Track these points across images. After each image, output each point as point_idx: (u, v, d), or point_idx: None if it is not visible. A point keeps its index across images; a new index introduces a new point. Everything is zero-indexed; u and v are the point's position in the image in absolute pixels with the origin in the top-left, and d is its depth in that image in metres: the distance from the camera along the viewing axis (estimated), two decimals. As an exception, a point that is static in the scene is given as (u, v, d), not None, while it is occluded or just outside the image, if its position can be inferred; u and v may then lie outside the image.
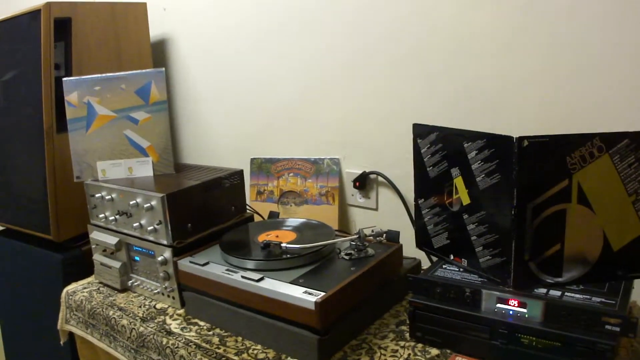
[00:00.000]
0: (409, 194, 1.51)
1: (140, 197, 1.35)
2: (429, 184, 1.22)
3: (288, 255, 1.22)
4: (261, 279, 1.17)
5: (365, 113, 1.56)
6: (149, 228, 1.34)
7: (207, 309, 1.27)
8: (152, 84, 1.45)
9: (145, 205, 1.32)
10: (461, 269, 1.16)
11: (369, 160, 1.58)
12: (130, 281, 1.45)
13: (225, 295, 1.22)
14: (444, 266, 1.18)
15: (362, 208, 1.63)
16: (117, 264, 1.44)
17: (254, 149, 1.80)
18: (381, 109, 1.53)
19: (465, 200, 1.13)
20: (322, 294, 1.08)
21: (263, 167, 1.73)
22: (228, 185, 1.47)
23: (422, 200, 1.25)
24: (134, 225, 1.37)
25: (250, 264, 1.23)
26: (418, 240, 1.29)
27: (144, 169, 1.49)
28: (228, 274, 1.22)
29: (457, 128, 1.13)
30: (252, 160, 1.75)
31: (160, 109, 1.47)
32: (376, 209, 1.61)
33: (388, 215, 1.59)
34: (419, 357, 1.09)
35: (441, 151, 1.17)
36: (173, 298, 1.35)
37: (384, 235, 1.30)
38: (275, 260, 1.22)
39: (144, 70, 1.46)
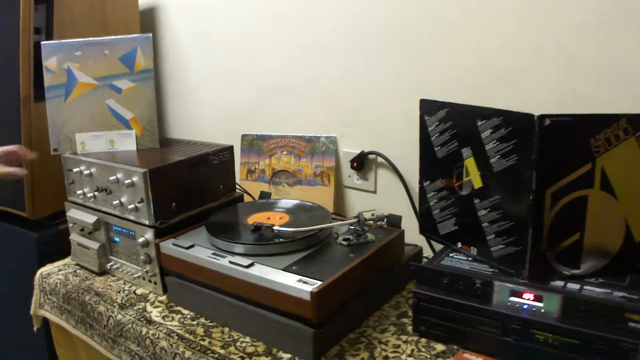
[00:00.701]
0: (411, 176, 1.42)
1: (121, 172, 1.24)
2: (436, 165, 1.12)
3: (281, 240, 1.12)
4: (251, 265, 1.07)
5: (365, 89, 1.46)
6: (130, 206, 1.23)
7: (191, 296, 1.17)
8: (138, 50, 1.33)
9: (126, 182, 1.22)
10: (470, 258, 1.07)
11: (367, 139, 1.48)
12: (109, 264, 1.35)
13: (210, 282, 1.12)
14: (450, 254, 1.10)
15: (360, 190, 1.53)
16: (95, 245, 1.34)
17: (245, 125, 1.69)
18: (382, 84, 1.42)
19: (477, 183, 1.03)
20: (318, 283, 0.99)
21: (254, 144, 1.62)
22: (217, 162, 1.36)
23: (428, 182, 1.15)
24: (114, 203, 1.26)
25: (239, 248, 1.13)
26: (422, 226, 1.20)
27: (127, 142, 1.38)
28: (214, 258, 1.11)
29: (469, 104, 1.04)
30: (243, 136, 1.64)
31: (145, 78, 1.36)
32: (374, 192, 1.51)
33: (387, 198, 1.49)
34: (423, 354, 1.00)
35: (451, 129, 1.07)
36: (155, 283, 1.25)
37: (385, 219, 1.20)
38: (266, 244, 1.12)
39: (129, 36, 1.34)
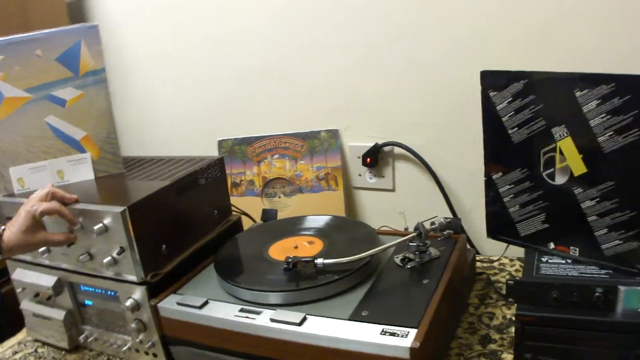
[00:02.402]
0: (438, 167, 1.18)
1: (85, 214, 0.90)
2: (510, 151, 0.89)
3: (335, 277, 0.85)
4: (304, 320, 0.79)
5: (373, 66, 1.19)
6: (105, 260, 0.90)
7: None
8: (82, 45, 0.99)
9: (95, 227, 0.88)
10: (569, 261, 0.87)
11: (379, 128, 1.22)
12: (83, 335, 1.01)
13: (243, 348, 0.83)
14: (542, 260, 0.88)
15: (375, 190, 1.28)
16: (59, 314, 0.99)
17: (220, 128, 1.37)
18: (396, 59, 1.16)
19: (579, 169, 0.82)
20: (410, 331, 0.73)
21: (236, 150, 1.31)
22: (207, 182, 1.05)
23: (499, 174, 0.92)
24: (80, 257, 0.92)
25: (275, 297, 0.84)
26: (491, 228, 0.97)
27: (81, 170, 1.03)
28: (245, 317, 0.82)
29: (561, 71, 0.81)
30: (220, 142, 1.32)
31: (96, 82, 1.01)
32: (393, 190, 1.26)
33: (408, 196, 1.25)
34: None
35: (534, 105, 0.84)
36: (154, 356, 0.93)
37: (447, 226, 0.95)
38: (315, 287, 0.84)
39: (68, 27, 0.99)
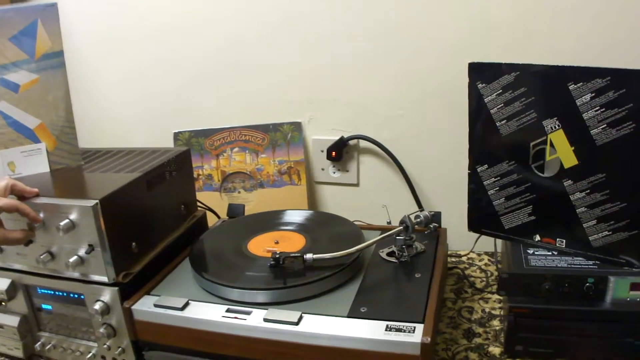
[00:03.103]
0: (407, 161, 1.17)
1: (46, 210, 0.80)
2: (498, 144, 0.89)
3: (326, 273, 0.81)
4: (300, 319, 0.74)
5: (339, 54, 1.16)
6: (71, 260, 0.81)
7: None
8: (39, 25, 0.88)
9: (61, 224, 0.79)
10: (555, 253, 0.88)
11: (343, 121, 1.19)
12: (40, 343, 0.90)
13: (236, 352, 0.77)
14: (529, 252, 0.89)
15: (338, 185, 1.24)
16: (13, 321, 0.88)
17: (176, 120, 1.28)
18: (362, 48, 1.14)
19: (569, 161, 0.83)
20: (418, 326, 0.71)
21: (193, 143, 1.23)
22: (175, 175, 0.97)
23: (485, 167, 0.92)
24: (41, 257, 0.82)
25: (262, 296, 0.79)
26: (473, 222, 0.97)
27: (35, 162, 0.92)
28: (235, 318, 0.76)
29: (554, 65, 0.81)
30: (176, 135, 1.23)
31: (54, 65, 0.91)
32: (357, 185, 1.23)
33: (373, 191, 1.23)
34: None
35: (525, 98, 0.85)
36: (124, 363, 0.85)
37: (432, 219, 0.94)
38: (307, 283, 0.79)
39: (24, 5, 0.88)
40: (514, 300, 0.82)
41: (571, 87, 0.79)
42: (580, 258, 0.85)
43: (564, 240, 0.87)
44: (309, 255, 0.82)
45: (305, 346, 0.73)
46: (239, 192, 1.24)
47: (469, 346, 0.88)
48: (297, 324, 0.74)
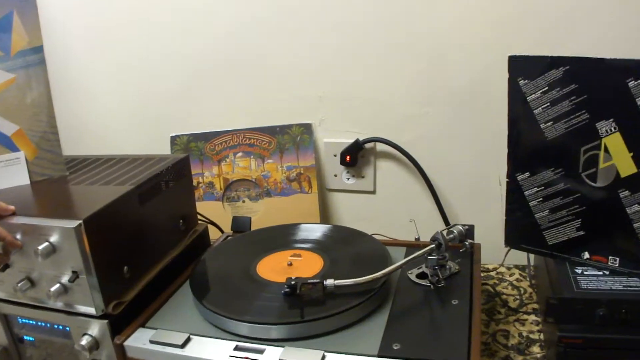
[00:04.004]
0: (429, 167, 1.06)
1: (24, 231, 0.69)
2: (542, 149, 0.79)
3: (354, 304, 0.69)
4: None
5: (353, 46, 1.04)
6: (53, 288, 0.69)
7: None
8: (15, 18, 0.77)
9: (39, 247, 0.67)
10: (606, 272, 0.77)
11: (358, 123, 1.08)
12: (20, 382, 0.79)
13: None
14: (577, 272, 0.78)
15: (353, 192, 1.13)
16: (-13, 356, 0.77)
17: (172, 122, 1.16)
18: (379, 41, 1.03)
19: (627, 169, 0.72)
20: (463, 368, 0.60)
21: (192, 147, 1.11)
22: (172, 185, 0.86)
23: (526, 175, 0.81)
24: (19, 284, 0.71)
25: (276, 331, 0.68)
26: (510, 236, 0.86)
27: (13, 173, 0.81)
28: (245, 359, 0.65)
29: (610, 58, 0.70)
30: (173, 139, 1.11)
31: (32, 63, 0.80)
32: (373, 192, 1.12)
33: (391, 200, 1.12)
34: None
35: (575, 96, 0.74)
36: (117, 405, 0.74)
37: (466, 234, 0.82)
38: (328, 317, 0.68)
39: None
40: (563, 329, 0.72)
41: (631, 84, 0.69)
42: (636, 279, 0.75)
43: (618, 259, 0.76)
44: (329, 282, 0.71)
45: (328, 393, 0.62)
46: (244, 202, 1.13)
47: (509, 379, 0.77)
48: (320, 366, 0.63)
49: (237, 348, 0.67)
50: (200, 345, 0.68)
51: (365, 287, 0.71)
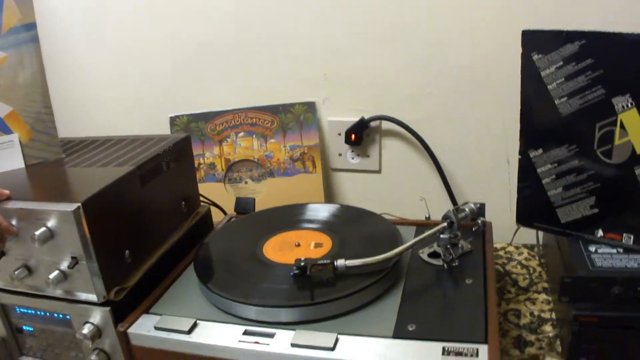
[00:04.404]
0: (435, 146, 1.03)
1: (20, 216, 0.66)
2: (556, 125, 0.76)
3: (366, 283, 0.67)
4: (336, 343, 0.61)
5: (358, 24, 1.01)
6: (52, 275, 0.67)
7: None
8: (7, -7, 0.73)
9: (36, 233, 0.65)
10: (620, 250, 0.75)
11: (364, 100, 1.05)
12: (21, 370, 0.77)
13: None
14: (591, 250, 0.76)
15: (358, 172, 1.11)
16: (-14, 345, 0.75)
17: (172, 102, 1.13)
18: (385, 16, 0.99)
19: (644, 145, 0.69)
20: (482, 347, 0.59)
21: (193, 128, 1.08)
22: (173, 166, 0.83)
23: (539, 151, 0.78)
24: (15, 272, 0.68)
25: (286, 314, 0.66)
26: (523, 214, 0.84)
27: (7, 157, 0.78)
28: (255, 343, 0.63)
29: (629, 32, 0.68)
30: (173, 119, 1.08)
31: (24, 41, 0.76)
32: (379, 171, 1.10)
33: (396, 178, 1.09)
34: None
35: (591, 71, 0.71)
36: (122, 392, 0.72)
37: (478, 212, 0.80)
38: (341, 298, 0.66)
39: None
40: (579, 307, 0.70)
41: (651, 56, 0.66)
42: (648, 256, 0.73)
43: (632, 236, 0.74)
44: (340, 262, 0.69)
45: (343, 378, 0.60)
46: (246, 183, 1.10)
47: (522, 358, 0.76)
48: (333, 349, 0.60)
49: (246, 332, 0.65)
50: (208, 331, 0.66)
51: (377, 268, 0.69)
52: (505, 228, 0.94)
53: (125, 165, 0.75)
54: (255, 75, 1.09)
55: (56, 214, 0.65)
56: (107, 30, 1.15)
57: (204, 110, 1.09)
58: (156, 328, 0.67)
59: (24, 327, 0.75)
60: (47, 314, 0.72)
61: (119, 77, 1.17)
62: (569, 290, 0.71)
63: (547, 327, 0.81)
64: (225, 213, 0.99)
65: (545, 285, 0.91)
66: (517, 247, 1.02)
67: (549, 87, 0.75)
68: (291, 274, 0.70)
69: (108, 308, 0.68)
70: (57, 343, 0.74)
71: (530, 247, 1.02)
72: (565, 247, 0.79)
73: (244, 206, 0.93)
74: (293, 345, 0.62)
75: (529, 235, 0.95)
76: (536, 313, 0.84)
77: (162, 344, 0.66)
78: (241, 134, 1.08)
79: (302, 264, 0.69)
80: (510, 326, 0.82)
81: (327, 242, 0.78)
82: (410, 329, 0.63)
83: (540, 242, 0.97)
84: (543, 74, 0.75)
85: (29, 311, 0.73)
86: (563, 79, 0.73)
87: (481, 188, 1.05)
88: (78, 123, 1.16)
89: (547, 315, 0.84)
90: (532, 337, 0.80)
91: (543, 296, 0.88)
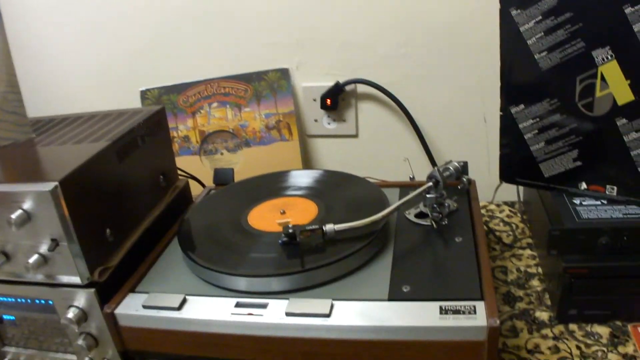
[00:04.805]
0: (411, 107, 1.02)
1: (-9, 198, 0.63)
2: (536, 80, 0.76)
3: (358, 246, 0.66)
4: (331, 309, 0.61)
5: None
6: (31, 260, 0.64)
7: None
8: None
9: (12, 216, 0.61)
10: (603, 202, 0.77)
11: (338, 64, 1.03)
12: (7, 358, 0.74)
13: (251, 356, 0.63)
14: (576, 202, 0.77)
15: (334, 137, 1.09)
16: (-36, 339, 0.72)
17: (141, 76, 1.08)
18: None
19: (624, 97, 0.71)
20: (478, 304, 0.59)
21: (164, 101, 1.05)
22: (149, 140, 0.80)
23: (520, 107, 0.78)
24: (-9, 258, 0.65)
25: (277, 283, 0.64)
26: (506, 170, 0.84)
27: (-28, 138, 0.73)
28: (249, 315, 0.62)
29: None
30: (144, 93, 1.05)
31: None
32: (356, 136, 1.09)
33: (374, 142, 1.09)
34: (593, 344, 0.71)
35: (570, 24, 0.71)
36: (112, 375, 0.70)
37: (462, 171, 0.80)
38: (332, 262, 0.65)
39: None
40: (568, 259, 0.71)
41: (627, 10, 0.67)
42: (634, 206, 0.74)
43: (615, 187, 0.76)
44: (329, 227, 0.68)
45: (340, 342, 0.59)
46: (222, 154, 1.08)
47: (512, 313, 0.77)
48: (329, 315, 0.60)
49: (238, 305, 0.63)
50: (198, 306, 0.64)
51: (365, 231, 0.69)
52: (486, 186, 0.94)
53: (101, 141, 0.71)
54: (225, 43, 1.06)
55: (32, 195, 0.61)
56: (70, 6, 1.09)
57: (175, 82, 1.05)
58: (144, 306, 0.65)
59: (5, 317, 0.72)
60: (29, 300, 0.69)
61: (86, 53, 1.12)
62: (557, 243, 0.72)
63: (535, 282, 0.82)
64: (203, 186, 0.97)
65: (529, 240, 0.92)
66: (498, 205, 1.03)
67: (529, 42, 0.74)
68: (280, 241, 0.68)
69: (93, 289, 0.65)
70: (40, 330, 0.71)
71: (511, 205, 1.03)
72: (549, 202, 0.80)
73: (222, 177, 0.91)
74: (288, 314, 0.60)
75: (509, 192, 0.96)
76: (522, 269, 0.86)
77: (152, 322, 0.64)
78: (214, 104, 1.05)
79: (291, 230, 0.68)
80: (499, 283, 0.83)
81: (312, 209, 0.76)
82: (405, 290, 0.62)
83: (521, 199, 0.98)
84: (522, 29, 0.74)
85: (9, 299, 0.70)
86: (542, 33, 0.73)
87: (459, 148, 1.05)
88: (43, 103, 1.11)
89: (533, 270, 0.85)
90: (520, 293, 0.81)
91: (528, 252, 0.89)
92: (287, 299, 0.62)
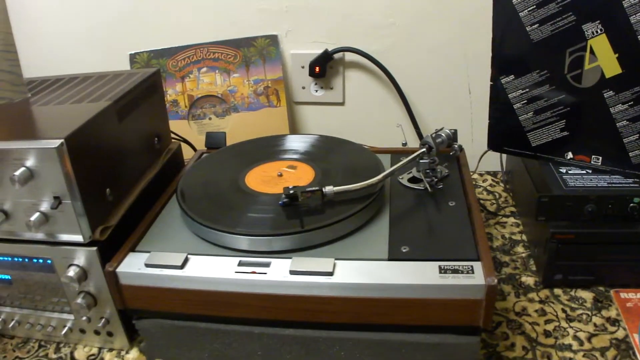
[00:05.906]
0: (399, 75, 1.04)
1: (-8, 155, 0.62)
2: (527, 52, 0.79)
3: (356, 209, 0.68)
4: (334, 268, 0.63)
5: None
6: (33, 217, 0.64)
7: (200, 343, 0.68)
8: None
9: (15, 174, 0.61)
10: (589, 171, 0.81)
11: (327, 32, 1.04)
12: (0, 319, 0.74)
13: (255, 314, 0.65)
14: (562, 171, 0.81)
15: (322, 105, 1.10)
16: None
17: (130, 39, 1.07)
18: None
19: (612, 69, 0.74)
20: (476, 264, 0.62)
21: (154, 64, 1.03)
22: (145, 102, 0.79)
23: (510, 78, 0.81)
24: (-11, 216, 0.65)
25: (279, 242, 0.66)
26: (495, 139, 0.87)
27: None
28: (253, 273, 0.63)
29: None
30: (133, 57, 1.03)
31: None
32: (342, 104, 1.10)
33: (360, 110, 1.10)
34: (577, 307, 0.75)
35: (562, -1, 0.73)
36: (109, 335, 0.71)
37: (453, 138, 0.82)
38: (334, 223, 0.67)
39: None
40: (555, 225, 0.75)
41: (619, -16, 0.69)
42: (618, 176, 0.78)
43: (600, 157, 0.79)
44: (328, 188, 0.69)
45: (343, 299, 0.62)
46: (210, 119, 1.07)
47: (499, 277, 0.81)
48: (332, 274, 0.62)
49: (241, 263, 0.65)
50: (201, 264, 0.65)
51: (363, 193, 0.70)
52: (469, 157, 0.97)
53: (101, 101, 0.71)
54: (215, 8, 1.04)
55: (36, 152, 0.61)
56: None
57: (165, 46, 1.04)
58: (147, 265, 0.65)
59: (1, 276, 0.71)
60: (26, 259, 0.69)
61: (74, 13, 1.09)
62: (545, 209, 0.75)
63: (520, 249, 0.86)
64: (195, 149, 0.97)
65: (513, 209, 0.95)
66: (480, 174, 1.06)
67: (521, 14, 0.77)
68: (280, 202, 0.70)
69: (94, 248, 0.66)
70: (36, 290, 0.71)
71: (494, 174, 1.06)
72: (536, 170, 0.83)
73: (215, 141, 0.91)
74: (292, 272, 0.62)
75: (491, 162, 0.99)
76: (507, 236, 0.89)
77: (154, 280, 0.65)
78: (203, 69, 1.04)
79: (292, 191, 0.69)
80: (483, 248, 0.87)
81: (309, 172, 0.78)
82: (404, 250, 0.65)
83: (504, 169, 1.01)
84: (515, 1, 0.76)
85: (6, 258, 0.69)
86: (535, 6, 0.75)
87: (444, 118, 1.07)
88: (33, 64, 1.08)
89: (517, 237, 0.89)
90: (506, 258, 0.84)
91: (512, 219, 0.93)
92: (289, 258, 0.64)
